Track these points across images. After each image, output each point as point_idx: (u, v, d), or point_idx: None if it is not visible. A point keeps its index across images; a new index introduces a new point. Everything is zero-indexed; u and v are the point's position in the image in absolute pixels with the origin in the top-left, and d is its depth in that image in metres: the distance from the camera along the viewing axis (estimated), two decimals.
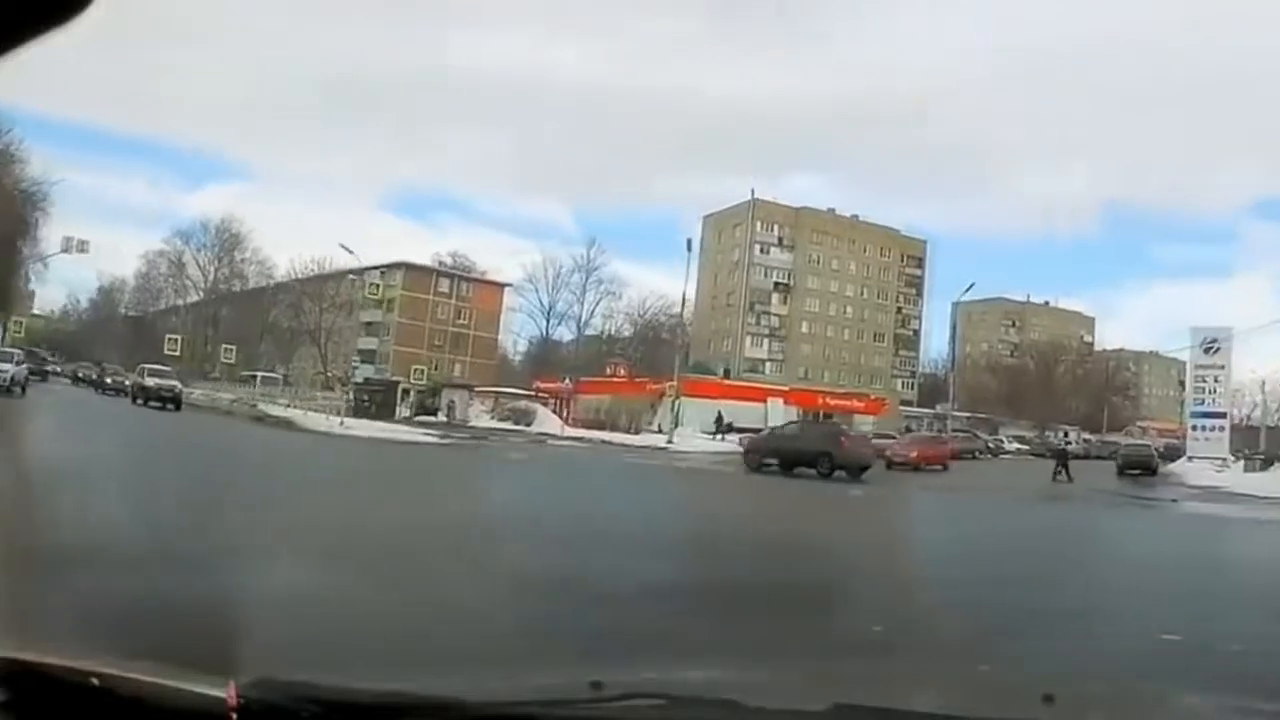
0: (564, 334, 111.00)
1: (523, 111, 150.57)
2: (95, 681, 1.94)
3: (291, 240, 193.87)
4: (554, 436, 56.14)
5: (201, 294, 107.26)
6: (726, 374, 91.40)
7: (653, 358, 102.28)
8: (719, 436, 60.63)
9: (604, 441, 54.25)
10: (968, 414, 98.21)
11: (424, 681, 2.39)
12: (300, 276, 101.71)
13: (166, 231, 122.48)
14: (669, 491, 28.87)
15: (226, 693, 1.94)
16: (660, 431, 60.18)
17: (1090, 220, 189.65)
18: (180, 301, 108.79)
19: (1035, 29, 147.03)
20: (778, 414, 71.46)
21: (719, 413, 65.30)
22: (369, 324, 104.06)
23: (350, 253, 74.80)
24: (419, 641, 6.63)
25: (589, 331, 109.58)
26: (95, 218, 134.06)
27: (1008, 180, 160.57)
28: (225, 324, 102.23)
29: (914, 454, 48.16)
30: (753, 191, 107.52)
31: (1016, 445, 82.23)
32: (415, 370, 77.81)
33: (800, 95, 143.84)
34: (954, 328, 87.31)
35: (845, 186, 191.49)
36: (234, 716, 1.91)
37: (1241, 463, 57.20)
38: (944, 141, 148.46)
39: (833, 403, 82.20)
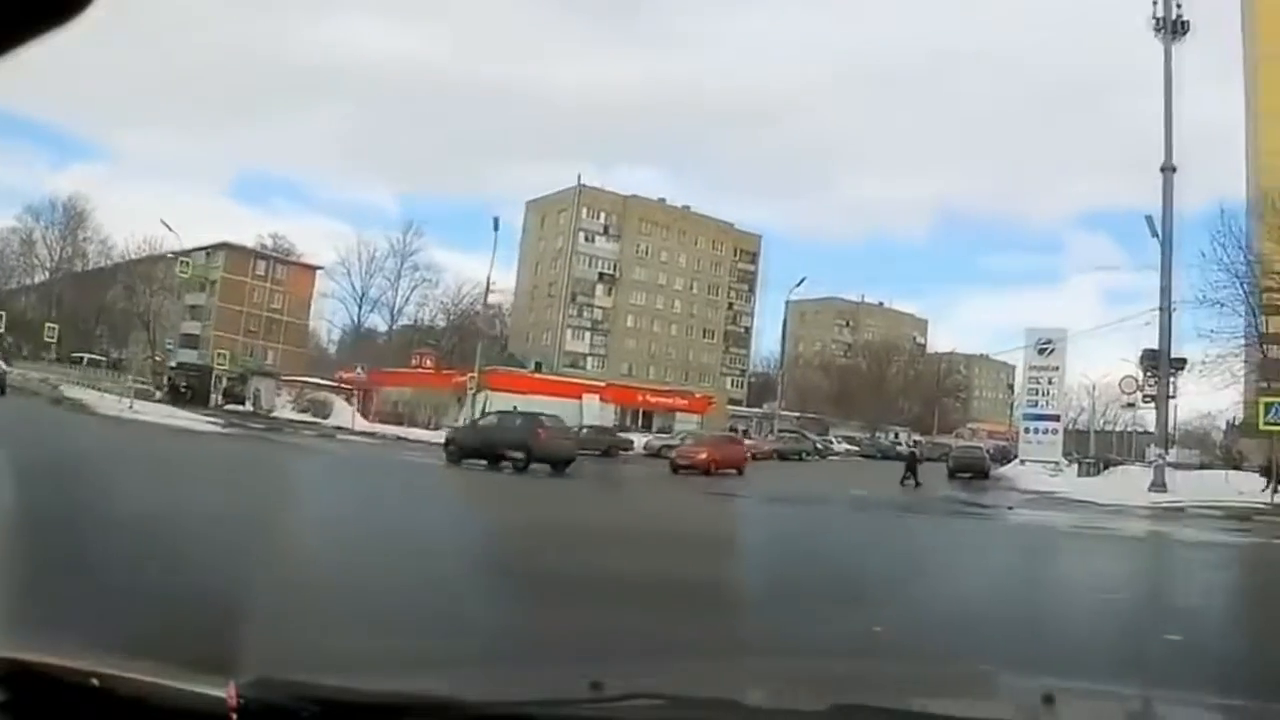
0: (378, 322, 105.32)
1: (363, 97, 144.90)
2: (95, 681, 1.93)
3: (143, 223, 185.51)
4: (345, 430, 52.84)
5: (47, 273, 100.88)
6: (539, 367, 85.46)
7: (469, 349, 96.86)
8: None
9: (398, 437, 50.43)
10: (798, 414, 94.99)
11: (424, 681, 2.42)
12: (134, 257, 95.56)
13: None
14: (365, 487, 25.55)
15: (226, 693, 1.93)
16: None
17: (925, 226, 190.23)
18: (29, 281, 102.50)
19: (878, 38, 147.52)
20: (593, 411, 66.24)
21: (514, 408, 59.57)
22: (193, 307, 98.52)
23: (170, 230, 70.93)
24: None
25: (404, 320, 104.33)
26: None
27: (846, 183, 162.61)
28: (65, 304, 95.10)
29: (702, 455, 41.58)
30: (579, 176, 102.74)
31: (846, 446, 77.45)
32: (219, 355, 73.30)
33: (640, 89, 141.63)
34: (785, 325, 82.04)
35: (682, 182, 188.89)
36: (234, 716, 1.90)
37: (1075, 466, 55.36)
38: (783, 142, 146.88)
39: (653, 400, 76.73)
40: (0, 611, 4.35)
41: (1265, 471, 39.63)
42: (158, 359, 79.59)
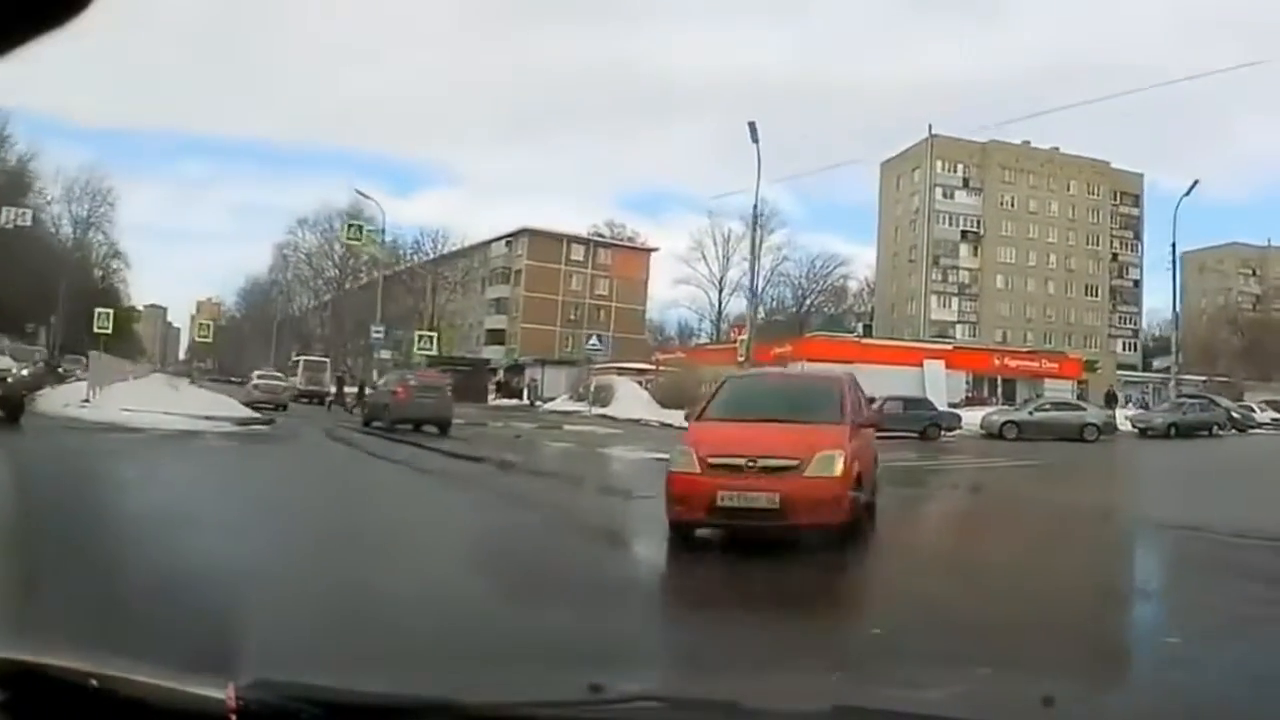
0: (741, 305, 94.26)
1: (724, 106, 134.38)
2: (95, 682, 1.85)
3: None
4: (584, 417, 44.46)
5: (333, 288, 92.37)
6: (868, 331, 70.36)
7: (817, 323, 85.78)
8: None
9: (642, 421, 39.86)
10: (1203, 377, 75.78)
11: (424, 682, 2.34)
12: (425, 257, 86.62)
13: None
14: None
15: (226, 693, 1.86)
16: None
17: None
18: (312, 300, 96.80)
19: None
20: (937, 380, 51.57)
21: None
22: (497, 300, 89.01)
23: (368, 198, 61.64)
24: None
25: (768, 303, 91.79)
26: None
27: (1228, 132, 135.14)
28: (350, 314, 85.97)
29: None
30: (930, 127, 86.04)
31: (1272, 414, 56.70)
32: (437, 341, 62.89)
33: (993, 63, 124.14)
34: (1175, 250, 61.20)
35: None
36: (233, 717, 1.83)
37: None
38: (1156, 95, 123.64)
39: (1013, 364, 60.33)
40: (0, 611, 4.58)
41: None
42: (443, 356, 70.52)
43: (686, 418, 11.83)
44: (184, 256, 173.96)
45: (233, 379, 65.13)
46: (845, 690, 2.51)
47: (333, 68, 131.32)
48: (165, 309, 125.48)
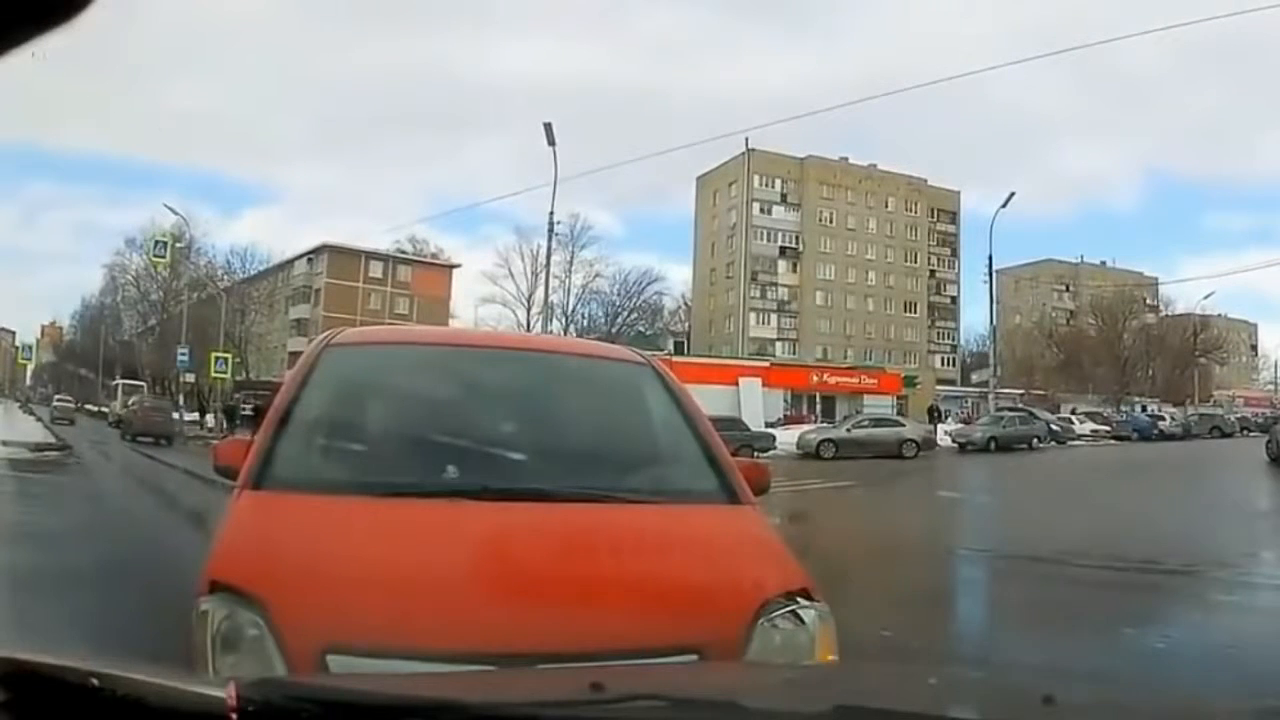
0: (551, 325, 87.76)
1: (551, 118, 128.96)
2: (95, 681, 1.80)
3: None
4: None
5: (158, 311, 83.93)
6: (679, 348, 66.16)
7: (637, 342, 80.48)
8: None
9: None
10: (1020, 390, 75.76)
11: (424, 682, 2.33)
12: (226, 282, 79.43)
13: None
14: None
15: (226, 693, 1.82)
16: None
17: (1132, 191, 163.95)
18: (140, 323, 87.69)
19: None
20: (754, 397, 47.69)
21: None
22: (298, 321, 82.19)
23: (176, 214, 59.62)
24: None
25: (580, 323, 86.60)
26: None
27: (1042, 153, 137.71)
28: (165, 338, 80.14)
29: None
30: (747, 140, 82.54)
31: (1092, 426, 54.60)
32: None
33: (807, 81, 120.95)
34: (991, 262, 58.31)
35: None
36: (234, 717, 1.80)
37: None
38: (972, 115, 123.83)
39: (832, 381, 56.79)
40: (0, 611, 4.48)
41: None
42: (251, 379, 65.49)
43: (222, 469, 3.85)
44: (31, 279, 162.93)
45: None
46: (846, 690, 2.34)
47: (168, 79, 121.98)
48: (14, 333, 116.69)
